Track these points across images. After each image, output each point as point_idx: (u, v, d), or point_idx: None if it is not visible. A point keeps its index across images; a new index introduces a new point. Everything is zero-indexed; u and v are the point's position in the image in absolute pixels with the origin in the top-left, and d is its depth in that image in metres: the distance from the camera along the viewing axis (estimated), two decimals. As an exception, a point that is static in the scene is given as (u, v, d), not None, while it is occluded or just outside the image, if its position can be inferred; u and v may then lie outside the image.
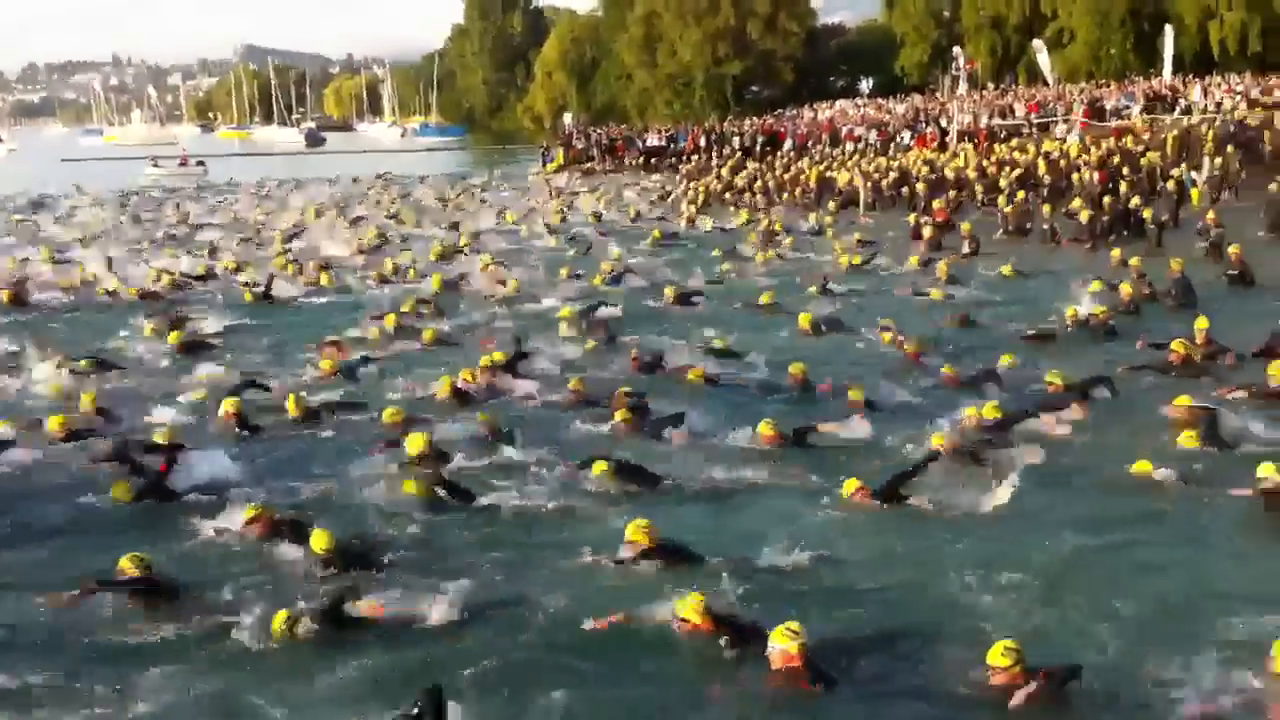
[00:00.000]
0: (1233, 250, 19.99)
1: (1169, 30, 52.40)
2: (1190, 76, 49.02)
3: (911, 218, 29.08)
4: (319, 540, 9.54)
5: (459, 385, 14.60)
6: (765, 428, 12.07)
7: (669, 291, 21.05)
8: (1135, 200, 25.99)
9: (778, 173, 42.69)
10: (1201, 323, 14.65)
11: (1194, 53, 57.37)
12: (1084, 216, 25.10)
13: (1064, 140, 40.12)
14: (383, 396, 14.73)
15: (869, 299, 20.51)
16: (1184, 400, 12.15)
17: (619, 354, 16.58)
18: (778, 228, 30.45)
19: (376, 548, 10.00)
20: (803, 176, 40.31)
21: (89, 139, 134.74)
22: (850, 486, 10.58)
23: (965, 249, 24.56)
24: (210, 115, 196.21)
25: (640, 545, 9.33)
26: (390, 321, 18.89)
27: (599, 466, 11.20)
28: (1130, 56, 59.96)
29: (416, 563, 9.72)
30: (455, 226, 34.58)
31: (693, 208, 37.33)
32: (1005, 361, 14.80)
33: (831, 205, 34.44)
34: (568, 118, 78.02)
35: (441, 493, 11.10)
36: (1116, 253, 21.65)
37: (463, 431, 12.97)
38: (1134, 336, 15.92)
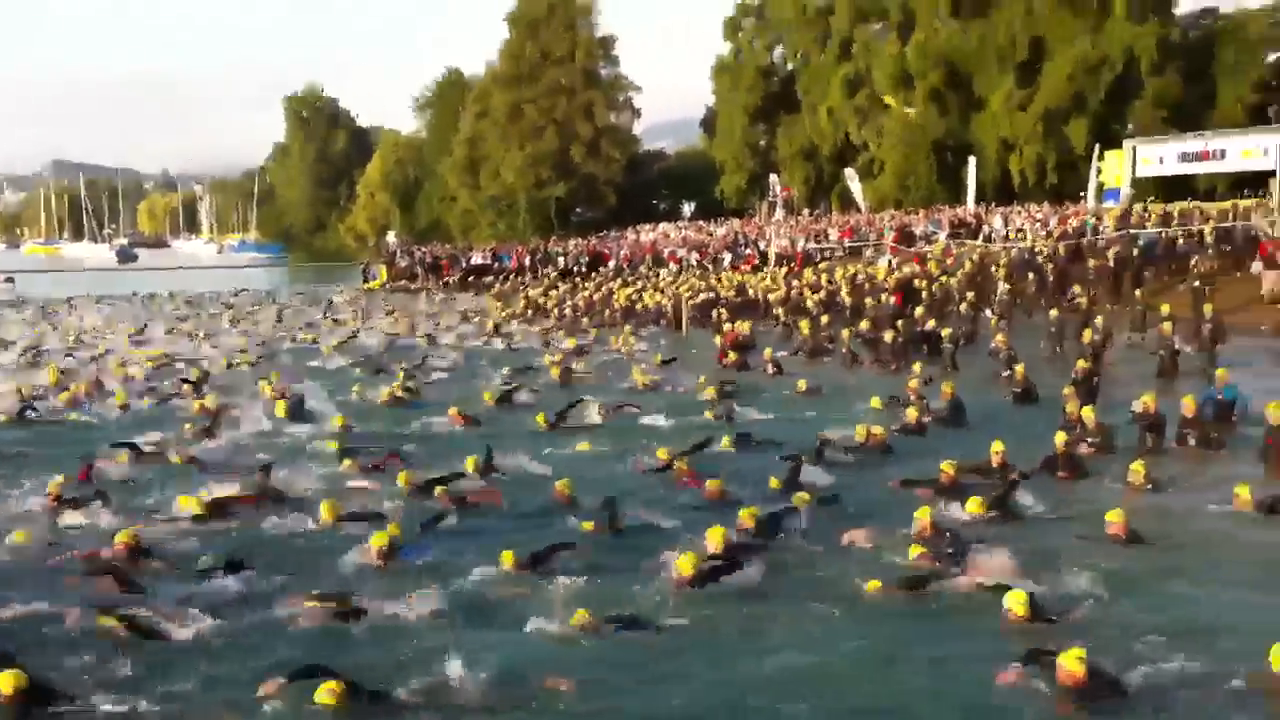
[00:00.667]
0: (1018, 370, 20.57)
1: (972, 161, 54.90)
2: (992, 205, 51.22)
3: (717, 339, 29.16)
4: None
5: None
6: (508, 557, 11.36)
7: (453, 411, 20.20)
8: (932, 322, 26.64)
9: (588, 293, 42.72)
10: (997, 445, 14.71)
11: (995, 183, 60.25)
12: (888, 337, 25.54)
13: (873, 264, 41.20)
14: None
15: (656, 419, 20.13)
16: (924, 513, 11.94)
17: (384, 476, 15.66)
18: (570, 343, 30.31)
19: None
20: (612, 298, 40.37)
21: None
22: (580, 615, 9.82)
23: (769, 370, 24.64)
24: (17, 231, 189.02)
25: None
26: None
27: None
28: (936, 186, 62.53)
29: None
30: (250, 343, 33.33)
31: (493, 324, 36.99)
32: (774, 484, 14.38)
33: (627, 327, 34.42)
34: (391, 236, 77.28)
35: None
36: (917, 367, 21.99)
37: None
38: (915, 455, 16.08)
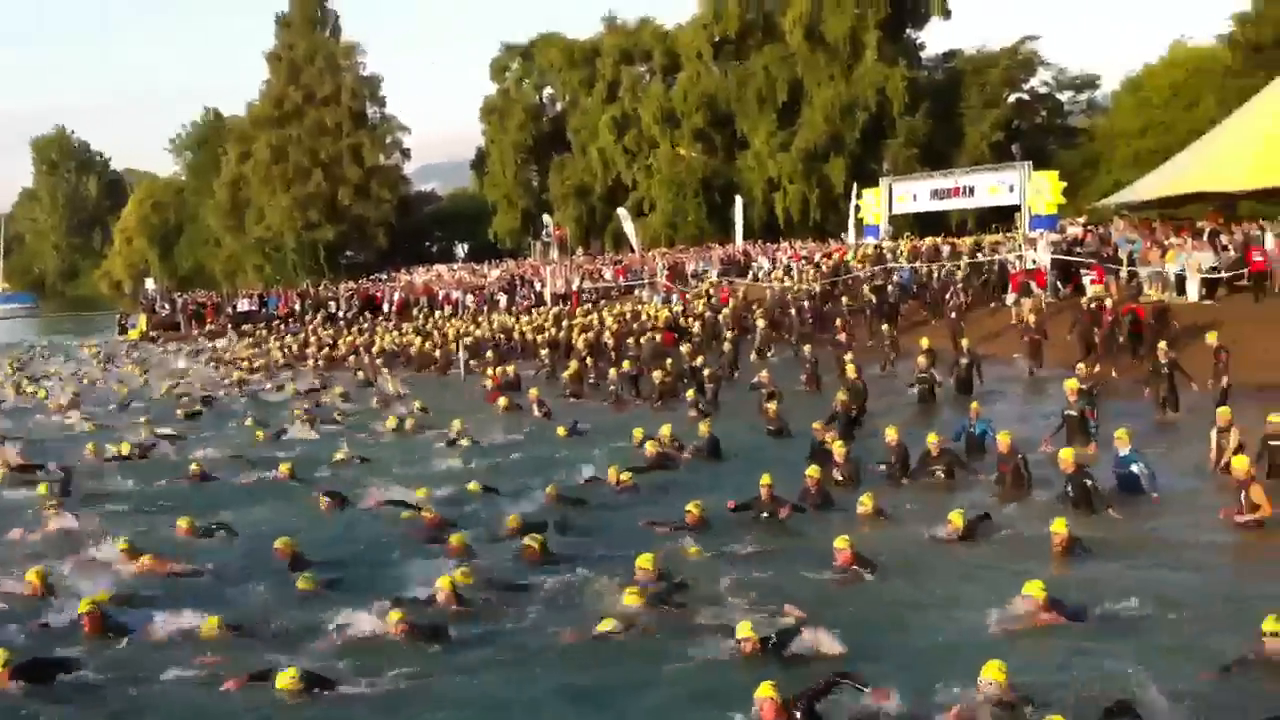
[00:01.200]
0: (770, 407, 21.10)
1: (739, 201, 56.23)
2: (760, 243, 52.55)
3: (488, 382, 28.89)
4: None
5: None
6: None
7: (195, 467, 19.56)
8: (699, 359, 27.10)
9: (381, 338, 41.87)
10: (765, 478, 14.92)
11: (762, 221, 61.95)
12: (655, 376, 25.85)
13: (646, 302, 41.67)
14: None
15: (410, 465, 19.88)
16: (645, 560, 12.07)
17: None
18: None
19: None
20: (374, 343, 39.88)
21: None
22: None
23: (536, 412, 24.56)
24: None
25: None
26: None
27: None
28: (706, 224, 63.87)
29: None
30: None
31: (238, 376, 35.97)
32: (512, 523, 14.47)
33: (385, 370, 33.89)
34: (150, 283, 73.96)
35: None
36: (691, 393, 22.45)
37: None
38: (666, 493, 16.44)
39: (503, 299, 49.32)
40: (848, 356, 24.38)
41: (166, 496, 17.97)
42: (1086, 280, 29.56)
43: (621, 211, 61.08)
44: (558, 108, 77.19)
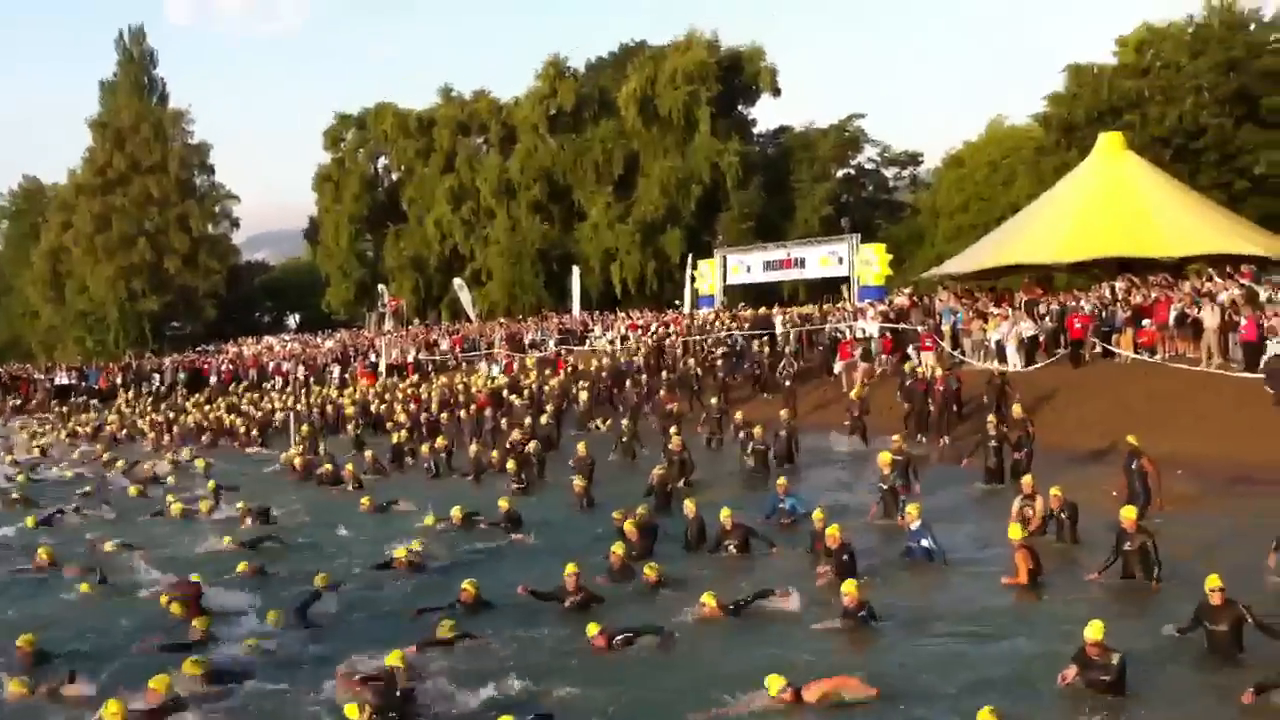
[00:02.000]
0: (577, 482, 21.72)
1: (575, 271, 56.46)
2: (598, 312, 52.75)
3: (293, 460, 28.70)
4: None
5: None
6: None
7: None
8: (516, 433, 27.25)
9: (202, 411, 40.74)
10: (570, 568, 14.87)
11: (599, 291, 62.31)
12: (471, 450, 26.07)
13: (477, 372, 41.53)
14: None
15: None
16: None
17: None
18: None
19: None
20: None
21: None
22: None
23: (350, 487, 24.54)
24: None
25: None
26: None
27: None
28: (544, 294, 63.92)
29: None
30: None
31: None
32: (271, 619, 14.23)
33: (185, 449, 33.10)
34: (-41, 358, 70.52)
35: None
36: (515, 476, 22.64)
37: None
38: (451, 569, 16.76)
39: (335, 370, 48.43)
40: (673, 429, 24.73)
41: None
42: (911, 350, 30.32)
43: (458, 281, 60.76)
44: (393, 177, 76.59)
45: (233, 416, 38.26)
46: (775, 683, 10.35)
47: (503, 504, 19.46)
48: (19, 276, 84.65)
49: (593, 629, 12.30)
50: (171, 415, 40.45)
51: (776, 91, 64.27)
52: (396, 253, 71.57)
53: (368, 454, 28.33)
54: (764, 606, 13.57)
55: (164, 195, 76.21)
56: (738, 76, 63.64)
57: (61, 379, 56.01)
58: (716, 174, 62.17)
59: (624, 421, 27.31)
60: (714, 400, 28.70)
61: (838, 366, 31.31)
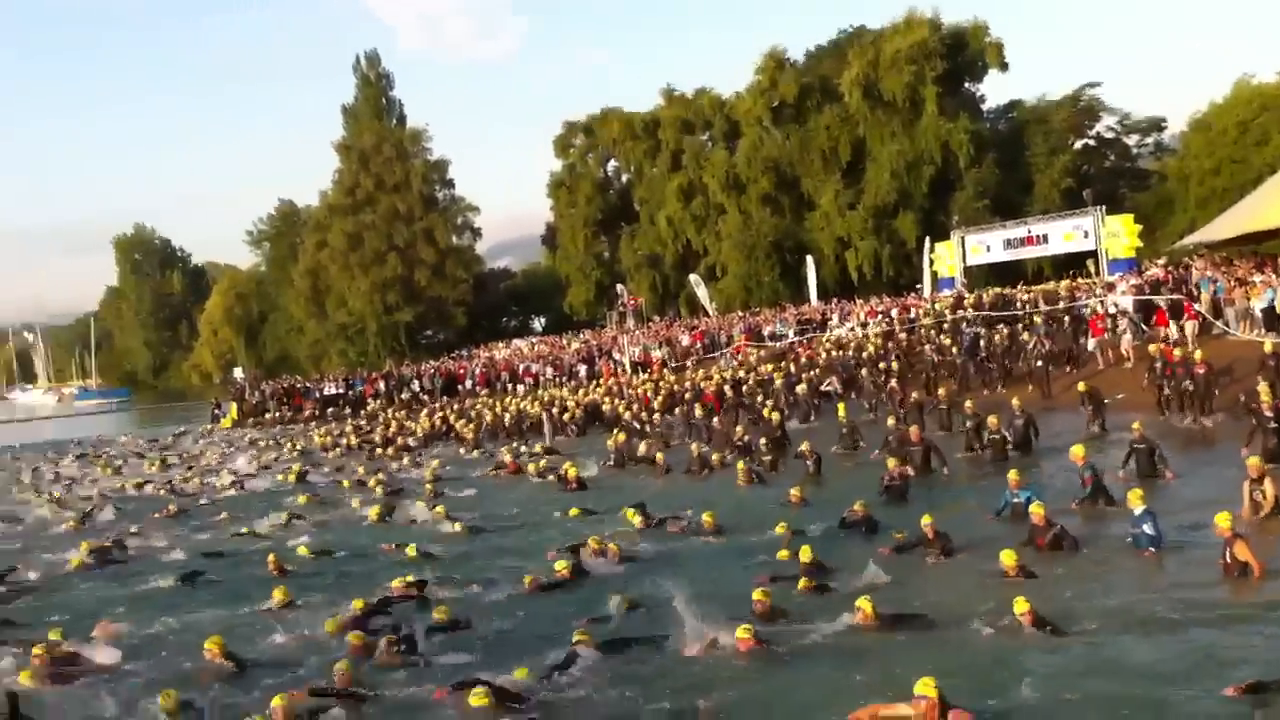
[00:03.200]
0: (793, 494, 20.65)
1: (810, 261, 56.71)
2: (835, 301, 52.86)
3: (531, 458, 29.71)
4: None
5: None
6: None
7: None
8: (739, 429, 27.48)
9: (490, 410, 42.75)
10: (927, 518, 15.57)
11: (835, 279, 62.44)
12: (694, 449, 25.98)
13: (725, 368, 42.16)
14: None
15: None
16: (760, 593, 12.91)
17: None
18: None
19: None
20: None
21: None
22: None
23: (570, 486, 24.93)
24: None
25: None
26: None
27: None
28: (779, 285, 64.35)
29: None
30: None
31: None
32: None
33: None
34: (238, 372, 75.81)
35: None
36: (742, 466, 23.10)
37: None
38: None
39: (582, 369, 50.03)
40: (908, 420, 24.73)
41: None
42: (1173, 324, 29.32)
43: (694, 278, 61.75)
44: (624, 179, 78.48)
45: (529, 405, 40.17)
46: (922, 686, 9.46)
47: (707, 518, 18.61)
48: (283, 295, 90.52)
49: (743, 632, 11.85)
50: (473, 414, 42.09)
51: (1004, 66, 63.00)
52: (632, 252, 73.35)
53: (611, 441, 29.21)
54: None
55: (409, 211, 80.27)
56: (962, 53, 62.59)
57: (329, 389, 59.66)
58: (947, 154, 61.43)
59: (841, 413, 26.85)
60: (941, 390, 28.23)
61: (1090, 344, 30.61)
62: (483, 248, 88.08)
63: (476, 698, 10.44)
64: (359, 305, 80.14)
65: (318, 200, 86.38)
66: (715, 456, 25.56)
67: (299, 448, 39.95)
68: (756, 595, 13.03)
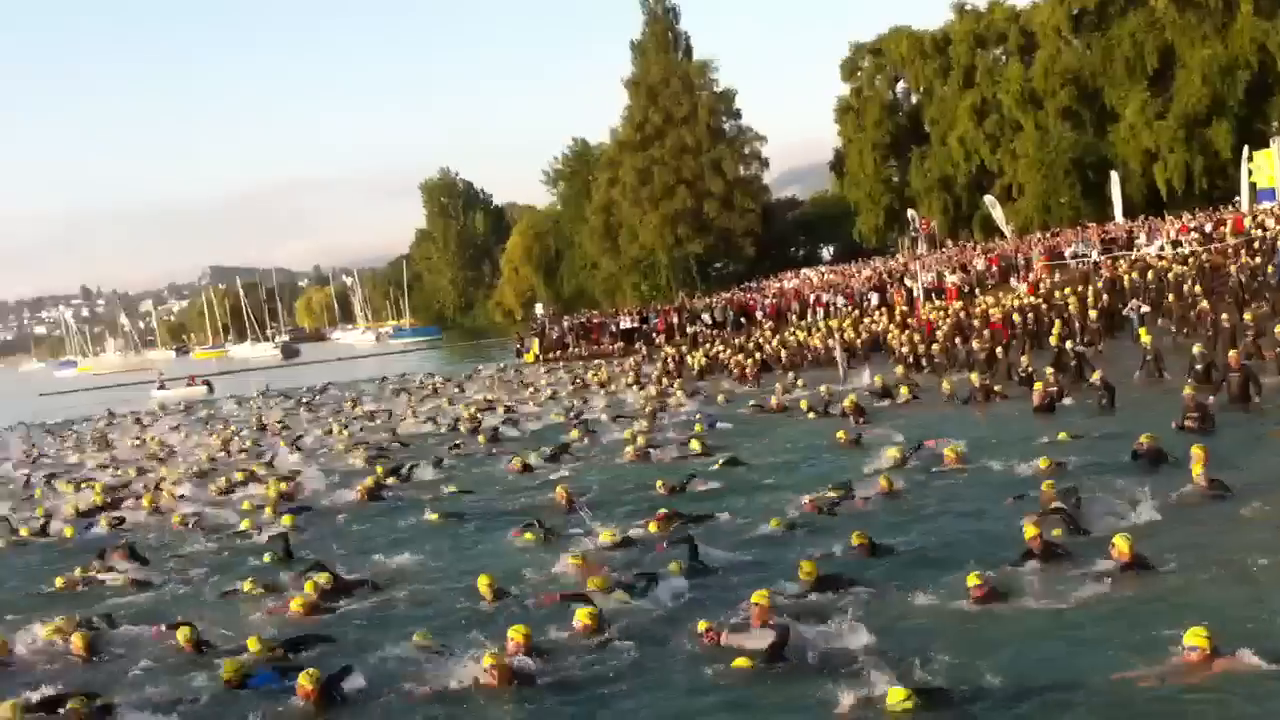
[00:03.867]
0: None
1: (1114, 176, 54.09)
2: (1142, 219, 50.36)
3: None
4: None
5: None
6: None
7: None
8: (1024, 358, 26.68)
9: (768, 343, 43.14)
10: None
11: (1143, 195, 59.29)
12: (974, 378, 25.35)
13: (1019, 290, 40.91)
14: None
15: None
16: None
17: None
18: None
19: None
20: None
21: (64, 371, 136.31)
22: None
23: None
24: (184, 337, 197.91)
25: None
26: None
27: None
28: (1081, 203, 61.67)
29: None
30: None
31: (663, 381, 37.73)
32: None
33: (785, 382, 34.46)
34: (539, 308, 79.03)
35: None
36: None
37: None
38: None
39: (874, 298, 49.61)
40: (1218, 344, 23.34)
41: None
42: None
43: (989, 199, 60.09)
44: (913, 100, 76.73)
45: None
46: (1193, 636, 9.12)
47: (949, 453, 18.52)
48: (578, 232, 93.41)
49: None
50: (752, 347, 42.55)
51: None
52: (922, 175, 71.85)
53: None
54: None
55: (697, 144, 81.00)
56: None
57: (625, 323, 61.41)
58: (1265, 56, 57.02)
59: (1145, 338, 25.23)
60: (1248, 314, 26.41)
61: None
62: (770, 177, 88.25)
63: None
64: (650, 239, 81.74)
65: (609, 138, 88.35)
66: (998, 387, 25.02)
67: (600, 380, 41.58)
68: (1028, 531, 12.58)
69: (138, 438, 40.45)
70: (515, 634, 11.00)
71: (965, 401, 24.73)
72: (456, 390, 45.76)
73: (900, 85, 77.15)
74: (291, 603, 13.83)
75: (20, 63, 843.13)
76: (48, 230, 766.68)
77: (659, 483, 19.06)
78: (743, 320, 53.65)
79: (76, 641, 12.89)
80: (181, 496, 24.12)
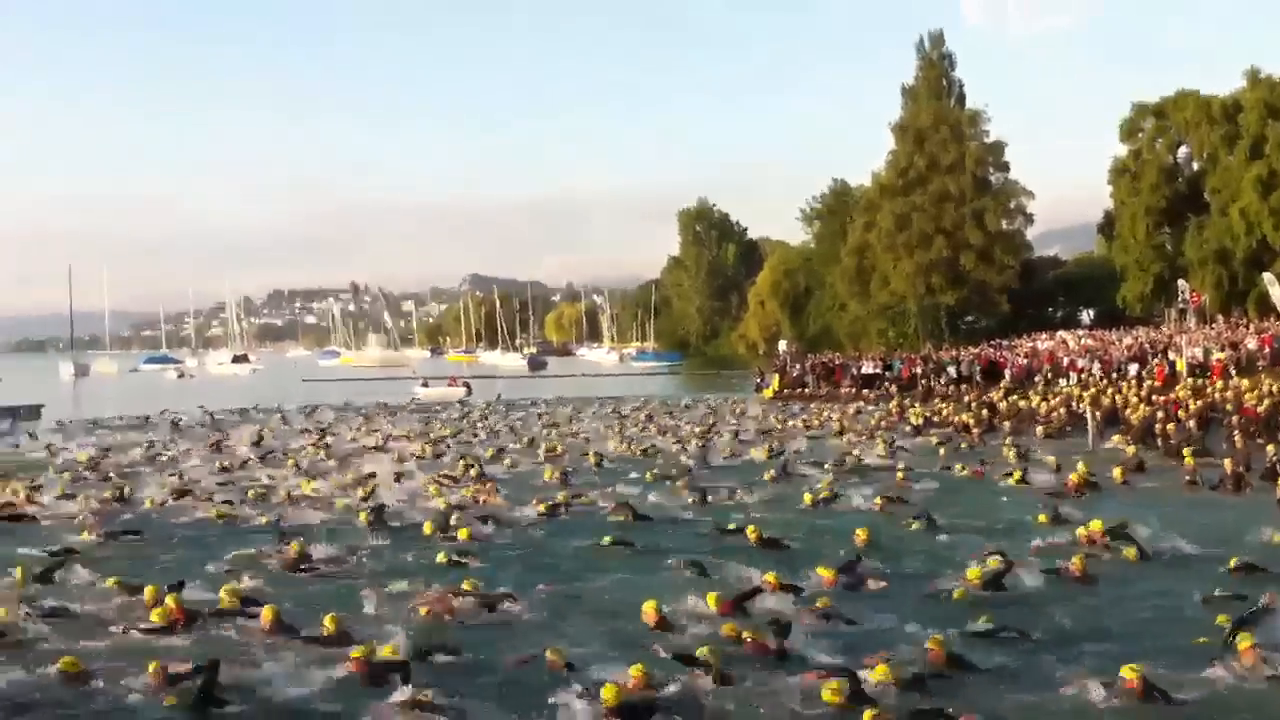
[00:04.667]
0: None
1: None
2: None
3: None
4: None
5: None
6: None
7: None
8: (1271, 448, 25.09)
9: (1000, 403, 42.27)
10: None
11: None
12: (1227, 465, 23.97)
13: None
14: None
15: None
16: None
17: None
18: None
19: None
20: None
21: (327, 360, 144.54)
22: None
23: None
24: (439, 339, 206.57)
25: None
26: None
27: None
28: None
29: None
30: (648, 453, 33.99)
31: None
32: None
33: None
34: (782, 344, 79.22)
35: None
36: None
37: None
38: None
39: (1133, 369, 47.79)
40: None
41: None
42: None
43: (1268, 276, 56.95)
44: (1194, 167, 73.46)
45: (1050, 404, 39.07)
46: None
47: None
48: (829, 272, 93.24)
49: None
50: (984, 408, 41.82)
51: None
52: (1198, 245, 68.64)
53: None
54: None
55: (960, 193, 79.70)
56: None
57: (867, 368, 60.95)
58: None
59: None
60: None
61: None
62: (1032, 234, 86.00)
63: None
64: (901, 286, 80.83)
65: (869, 180, 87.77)
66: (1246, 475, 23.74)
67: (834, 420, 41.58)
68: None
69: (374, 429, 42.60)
70: (635, 672, 10.96)
71: (1213, 488, 23.61)
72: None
73: (1182, 150, 73.98)
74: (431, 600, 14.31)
75: (324, 65, 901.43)
76: (320, 227, 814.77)
77: (860, 533, 18.64)
78: (985, 378, 52.56)
79: (266, 615, 13.53)
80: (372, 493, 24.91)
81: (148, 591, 14.50)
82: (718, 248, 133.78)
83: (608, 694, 10.36)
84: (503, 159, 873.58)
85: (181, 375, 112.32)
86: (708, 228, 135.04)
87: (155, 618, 13.57)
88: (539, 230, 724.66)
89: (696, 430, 39.97)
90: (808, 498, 23.03)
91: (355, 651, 11.80)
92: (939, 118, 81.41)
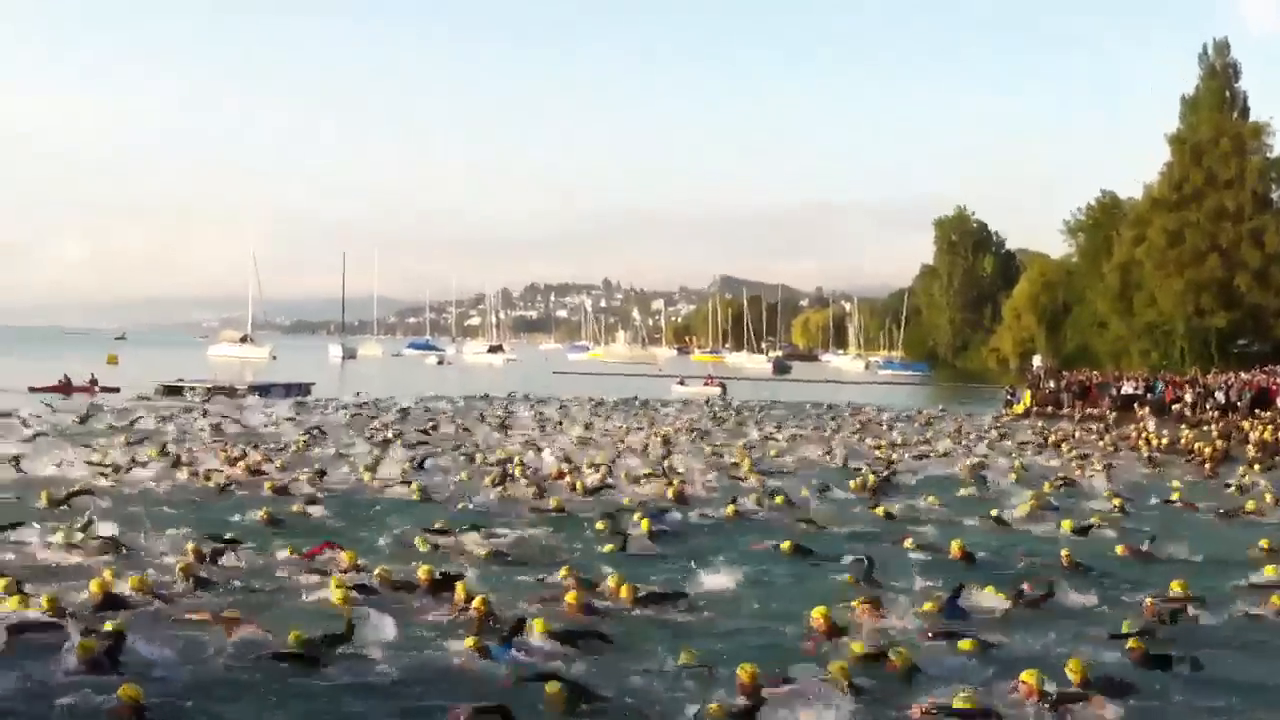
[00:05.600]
0: None
1: None
2: None
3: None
4: None
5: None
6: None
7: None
8: None
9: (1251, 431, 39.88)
10: None
11: None
12: None
13: None
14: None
15: None
16: None
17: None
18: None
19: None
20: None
21: (576, 354, 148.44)
22: None
23: None
24: (686, 338, 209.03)
25: None
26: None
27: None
28: None
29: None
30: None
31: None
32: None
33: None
34: (1036, 360, 76.83)
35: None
36: None
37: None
38: None
39: None
40: None
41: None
42: None
43: None
44: None
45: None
46: None
47: None
48: (1092, 288, 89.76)
49: None
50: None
51: None
52: None
53: None
54: None
55: (1239, 210, 75.52)
56: None
57: (1127, 388, 58.34)
58: None
59: None
60: None
61: None
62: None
63: None
64: (1169, 306, 77.06)
65: (1140, 193, 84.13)
66: None
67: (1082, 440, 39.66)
68: None
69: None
70: (743, 672, 10.55)
71: None
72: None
73: None
74: (567, 596, 14.05)
75: (565, 74, 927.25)
76: (578, 225, 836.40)
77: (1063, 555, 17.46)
78: (1255, 406, 49.68)
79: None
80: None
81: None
82: (974, 258, 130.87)
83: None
84: (756, 166, 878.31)
85: (441, 362, 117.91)
86: (965, 237, 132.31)
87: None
88: (789, 235, 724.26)
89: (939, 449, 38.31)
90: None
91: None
92: (1220, 130, 77.49)
